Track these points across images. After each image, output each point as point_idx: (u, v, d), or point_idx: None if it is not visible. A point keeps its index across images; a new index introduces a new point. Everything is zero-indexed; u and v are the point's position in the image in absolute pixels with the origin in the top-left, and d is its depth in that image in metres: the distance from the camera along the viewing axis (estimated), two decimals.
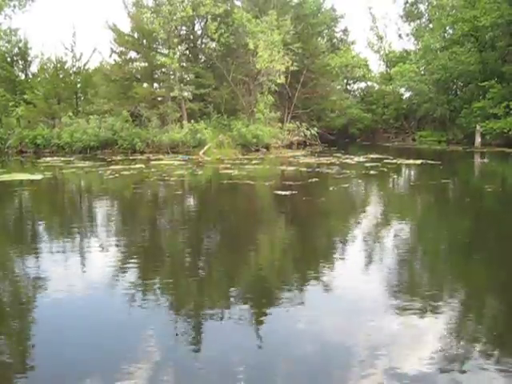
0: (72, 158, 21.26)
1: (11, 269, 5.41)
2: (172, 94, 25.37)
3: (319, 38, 36.49)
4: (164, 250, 6.37)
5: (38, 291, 4.55)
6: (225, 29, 26.07)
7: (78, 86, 29.85)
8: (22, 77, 32.87)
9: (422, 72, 35.08)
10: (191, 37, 29.84)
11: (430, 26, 37.70)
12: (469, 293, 4.68)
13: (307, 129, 29.47)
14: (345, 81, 44.71)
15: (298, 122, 29.72)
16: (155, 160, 19.94)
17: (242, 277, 5.15)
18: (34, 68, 32.91)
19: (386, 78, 42.13)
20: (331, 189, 11.83)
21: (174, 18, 24.89)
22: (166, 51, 26.24)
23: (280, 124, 28.84)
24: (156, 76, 27.76)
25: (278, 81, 26.16)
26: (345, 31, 45.50)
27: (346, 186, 12.24)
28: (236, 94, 28.13)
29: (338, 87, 41.15)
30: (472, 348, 3.39)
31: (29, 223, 8.45)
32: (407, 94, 40.13)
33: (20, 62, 32.85)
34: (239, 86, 28.28)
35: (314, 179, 13.36)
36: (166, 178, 13.65)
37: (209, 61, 29.53)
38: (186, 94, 25.72)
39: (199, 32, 29.86)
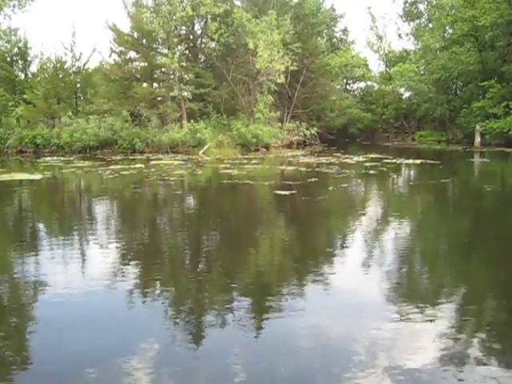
0: (72, 158, 21.27)
1: (11, 269, 5.41)
2: (172, 94, 25.39)
3: (319, 38, 36.52)
4: (164, 250, 6.36)
5: (38, 290, 4.55)
6: (225, 29, 26.09)
7: (78, 85, 29.87)
8: (22, 77, 32.80)
9: (422, 72, 35.10)
10: (191, 37, 29.84)
11: (430, 25, 37.71)
12: (469, 293, 4.67)
13: (307, 128, 29.49)
14: (344, 80, 44.79)
15: (297, 122, 29.75)
16: (155, 160, 19.93)
17: (242, 276, 5.15)
18: (33, 68, 32.89)
19: (386, 77, 42.15)
20: (331, 188, 11.82)
21: (174, 17, 24.92)
22: (165, 51, 26.27)
23: (280, 124, 28.88)
24: (156, 76, 27.77)
25: (278, 80, 26.20)
26: (344, 31, 45.67)
27: (346, 185, 12.25)
28: (236, 93, 28.14)
29: (338, 87, 41.22)
30: (472, 348, 3.39)
31: (28, 223, 8.44)
32: (407, 94, 40.22)
33: (20, 61, 32.77)
34: (239, 86, 28.29)
35: (313, 179, 13.36)
36: (166, 178, 13.65)
37: (208, 61, 29.54)
38: (185, 93, 25.74)
39: (199, 32, 29.91)
